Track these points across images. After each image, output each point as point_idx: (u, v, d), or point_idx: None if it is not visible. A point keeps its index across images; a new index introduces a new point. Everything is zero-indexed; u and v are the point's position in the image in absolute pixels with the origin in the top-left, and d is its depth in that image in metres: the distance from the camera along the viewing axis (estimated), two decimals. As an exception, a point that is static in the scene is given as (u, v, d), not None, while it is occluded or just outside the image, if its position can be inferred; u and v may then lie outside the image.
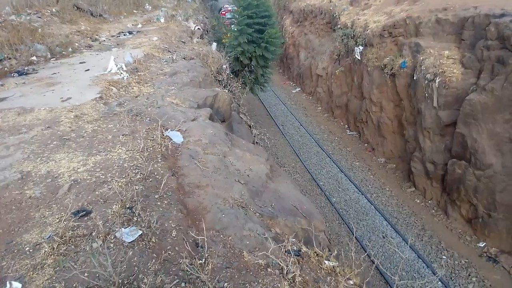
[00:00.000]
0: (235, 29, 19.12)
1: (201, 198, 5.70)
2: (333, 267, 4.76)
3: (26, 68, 12.38)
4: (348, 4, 24.89)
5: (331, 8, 26.25)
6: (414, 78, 16.10)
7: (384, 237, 13.74)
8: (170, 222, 5.00)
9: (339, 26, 23.64)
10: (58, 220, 4.93)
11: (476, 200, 13.02)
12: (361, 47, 20.58)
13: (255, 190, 6.46)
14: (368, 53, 19.78)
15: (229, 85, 15.50)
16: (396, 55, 17.76)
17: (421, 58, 15.71)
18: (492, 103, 12.53)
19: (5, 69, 12.12)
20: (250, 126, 13.91)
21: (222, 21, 28.62)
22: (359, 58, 20.74)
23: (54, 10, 19.05)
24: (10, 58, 12.78)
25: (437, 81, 14.62)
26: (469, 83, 13.76)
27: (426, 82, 15.16)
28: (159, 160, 6.52)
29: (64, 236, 4.55)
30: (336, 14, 24.97)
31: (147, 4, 28.99)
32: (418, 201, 15.75)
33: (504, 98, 12.25)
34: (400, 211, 15.27)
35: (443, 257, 12.73)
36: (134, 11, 26.79)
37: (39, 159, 6.52)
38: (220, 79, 15.03)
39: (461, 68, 14.27)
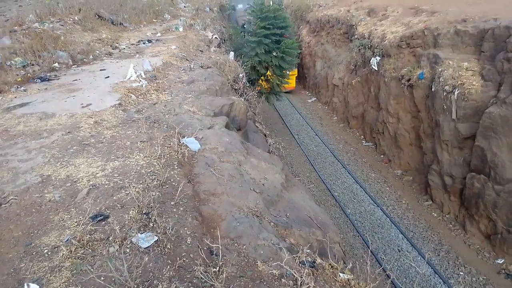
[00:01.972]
0: (253, 40, 19.27)
1: (216, 206, 5.72)
2: (348, 280, 4.71)
3: (48, 75, 12.68)
4: (366, 14, 24.87)
5: (348, 18, 26.25)
6: (432, 89, 15.93)
7: (399, 251, 13.52)
8: (185, 229, 5.03)
9: (356, 36, 23.61)
10: (76, 224, 5.01)
11: (495, 215, 12.74)
12: (378, 58, 20.50)
13: (270, 199, 6.45)
14: (386, 63, 19.68)
15: (245, 93, 15.58)
16: (414, 66, 17.63)
17: (440, 70, 15.56)
18: (513, 116, 12.31)
19: (28, 75, 12.45)
20: (265, 135, 13.93)
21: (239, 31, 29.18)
22: (376, 69, 20.64)
23: (76, 18, 19.52)
24: (33, 65, 13.13)
25: (456, 93, 14.44)
26: (488, 95, 13.55)
27: (444, 94, 14.99)
28: (176, 167, 6.59)
29: (82, 240, 4.62)
30: (353, 24, 24.96)
31: (166, 14, 29.47)
32: (435, 215, 15.48)
33: (525, 112, 12.03)
34: (417, 224, 15.02)
35: (461, 273, 12.46)
36: (154, 20, 27.26)
37: (59, 163, 6.65)
38: (236, 87, 15.13)
39: (481, 80, 14.07)
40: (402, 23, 20.01)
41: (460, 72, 14.69)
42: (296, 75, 32.66)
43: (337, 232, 6.45)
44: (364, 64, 22.62)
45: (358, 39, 22.90)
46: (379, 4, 25.22)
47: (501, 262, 12.54)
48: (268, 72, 20.95)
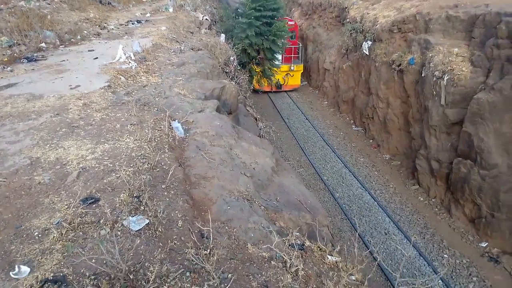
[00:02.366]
0: (244, 22, 19.04)
1: (207, 190, 5.76)
2: (336, 262, 4.82)
3: (35, 55, 12.45)
4: (358, -2, 24.69)
5: (340, 1, 26.06)
6: (422, 75, 16.01)
7: (386, 234, 13.78)
8: (176, 212, 5.07)
9: (348, 20, 23.49)
10: (66, 206, 5.01)
11: (480, 200, 13.01)
12: (369, 42, 20.46)
13: (260, 183, 6.51)
14: (377, 48, 19.66)
15: (236, 77, 15.49)
16: (404, 51, 17.65)
17: (430, 55, 15.60)
18: (500, 102, 12.46)
19: (15, 55, 12.21)
20: (256, 119, 13.94)
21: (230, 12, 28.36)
22: (367, 53, 20.63)
23: (63, -4, 19.08)
24: (19, 44, 12.86)
25: (445, 78, 14.53)
26: (477, 81, 13.66)
27: (434, 79, 15.08)
28: (166, 151, 6.59)
29: (73, 223, 4.63)
30: (346, 7, 24.80)
31: (156, -7, 28.93)
32: (422, 199, 15.76)
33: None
34: (403, 208, 15.29)
35: (445, 255, 12.77)
36: (143, 0, 26.76)
37: (48, 145, 6.60)
38: (227, 70, 15.03)
39: (470, 66, 14.16)
40: (394, 8, 19.94)
41: (450, 58, 14.76)
42: (302, 71, 29.42)
43: (326, 215, 6.55)
44: (355, 49, 22.57)
45: (350, 23, 22.80)
46: (372, -13, 25.05)
47: (484, 245, 12.87)
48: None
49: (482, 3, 15.27)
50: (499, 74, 12.88)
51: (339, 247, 5.38)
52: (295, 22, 29.57)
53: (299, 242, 5.02)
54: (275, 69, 24.32)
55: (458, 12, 15.77)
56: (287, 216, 5.72)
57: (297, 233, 5.27)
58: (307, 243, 5.10)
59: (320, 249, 5.07)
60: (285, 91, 28.81)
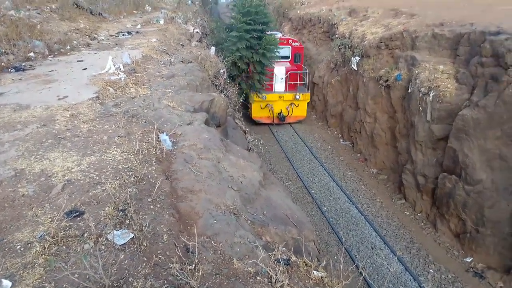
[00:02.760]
0: (234, 35, 19.22)
1: (193, 203, 5.74)
2: (322, 278, 4.82)
3: (23, 64, 12.37)
4: (347, 14, 25.14)
5: (329, 17, 26.48)
6: (409, 91, 16.28)
7: (372, 248, 13.82)
8: (162, 226, 5.03)
9: (337, 35, 23.86)
10: (50, 219, 4.94)
11: (464, 215, 13.16)
12: (357, 58, 20.78)
13: (247, 197, 6.51)
14: (365, 64, 19.97)
15: (226, 90, 15.57)
16: (392, 67, 17.95)
17: (416, 72, 15.90)
18: (484, 119, 12.71)
19: (2, 64, 12.11)
20: (245, 132, 13.98)
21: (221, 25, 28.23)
22: (356, 68, 20.93)
23: (53, 6, 19.07)
24: (7, 53, 12.77)
25: (431, 95, 14.80)
26: (462, 98, 13.94)
27: (420, 95, 15.34)
28: (154, 163, 6.56)
29: (56, 236, 4.57)
30: (335, 23, 25.20)
31: (147, 5, 29.10)
32: (408, 213, 15.88)
33: (496, 115, 12.43)
34: (390, 222, 15.37)
35: (430, 270, 12.83)
36: (134, 11, 26.86)
37: (33, 157, 6.53)
38: (217, 83, 15.10)
39: (455, 83, 14.46)
40: (382, 25, 20.33)
41: (436, 75, 15.05)
42: (308, 100, 25.53)
43: (312, 230, 6.57)
44: (344, 64, 22.89)
45: (339, 38, 23.15)
46: (360, 4, 25.54)
47: (469, 260, 12.98)
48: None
49: (467, 22, 15.66)
50: (483, 91, 13.16)
51: (325, 262, 5.38)
52: (300, 43, 26.36)
53: (285, 257, 5.02)
54: (278, 97, 23.58)
55: (443, 30, 16.14)
56: (273, 231, 5.73)
57: (283, 248, 5.27)
58: (293, 258, 5.10)
59: (306, 264, 5.07)
60: (289, 123, 25.31)
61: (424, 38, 16.72)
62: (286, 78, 24.49)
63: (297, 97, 24.34)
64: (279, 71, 24.23)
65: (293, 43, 25.59)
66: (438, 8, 20.58)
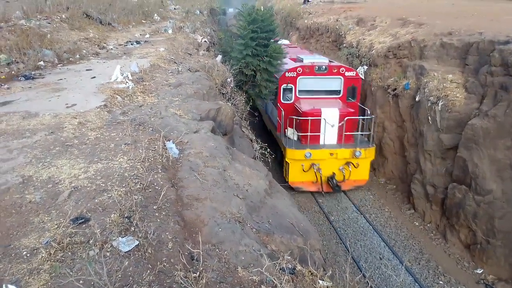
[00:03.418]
0: (240, 43, 19.33)
1: (199, 211, 5.72)
2: (327, 287, 4.76)
3: (33, 73, 12.54)
4: (354, 24, 25.19)
5: (337, 27, 26.55)
6: (417, 100, 16.19)
7: (381, 259, 13.64)
8: (167, 233, 5.02)
9: (344, 45, 23.89)
10: (56, 226, 4.96)
11: (475, 225, 12.97)
12: (365, 67, 20.77)
13: (253, 205, 6.48)
14: (372, 73, 19.94)
15: (233, 98, 15.61)
16: (400, 76, 17.89)
17: (425, 81, 15.82)
18: (494, 129, 12.58)
19: (12, 72, 12.29)
20: (251, 140, 13.97)
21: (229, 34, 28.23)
22: (363, 78, 20.89)
23: (64, 16, 19.37)
24: (18, 62, 12.97)
25: (440, 104, 14.70)
26: (471, 107, 13.83)
27: (429, 104, 15.25)
28: (160, 171, 6.57)
29: (62, 243, 4.58)
30: (342, 33, 25.26)
31: (155, 15, 29.45)
32: (417, 224, 15.69)
33: (506, 125, 12.30)
34: (399, 233, 15.19)
35: (440, 282, 12.63)
36: (143, 21, 27.20)
37: (41, 164, 6.57)
38: (224, 92, 15.16)
39: (464, 92, 14.36)
40: (390, 34, 20.33)
41: (444, 84, 14.97)
42: (373, 157, 17.82)
43: (319, 239, 6.51)
44: (351, 73, 22.85)
45: (347, 47, 23.19)
46: (368, 14, 25.59)
47: (480, 272, 12.75)
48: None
49: (476, 31, 15.59)
50: (492, 100, 13.05)
51: (330, 272, 5.32)
52: (356, 73, 18.79)
53: (290, 266, 4.97)
54: (328, 153, 16.78)
55: (452, 39, 16.09)
56: (278, 239, 5.68)
57: (289, 257, 5.22)
58: (298, 267, 5.05)
59: (312, 274, 5.01)
60: (344, 191, 17.84)
61: (432, 47, 16.68)
62: (341, 125, 16.61)
63: (357, 153, 16.86)
64: (329, 114, 16.63)
65: (346, 72, 18.26)
66: (446, 17, 20.55)
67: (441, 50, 16.30)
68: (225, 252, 4.96)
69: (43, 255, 4.42)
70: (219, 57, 19.83)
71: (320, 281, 4.86)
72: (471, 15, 20.81)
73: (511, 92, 12.39)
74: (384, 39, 20.19)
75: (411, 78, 17.08)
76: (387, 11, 25.48)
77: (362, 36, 22.65)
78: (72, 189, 5.77)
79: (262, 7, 23.48)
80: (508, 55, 12.77)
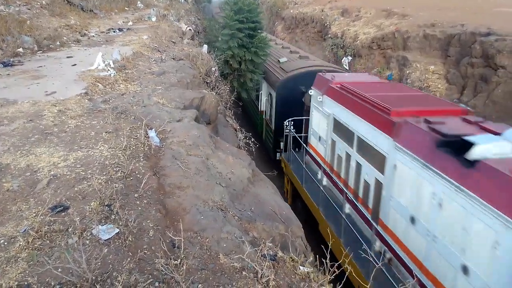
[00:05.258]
0: (226, 33, 19.16)
1: (181, 199, 5.71)
2: (308, 273, 4.82)
3: (11, 60, 12.23)
4: (339, 14, 25.25)
5: (322, 17, 26.58)
6: (400, 91, 16.36)
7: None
8: (148, 221, 5.00)
9: (329, 35, 23.98)
10: (34, 214, 4.88)
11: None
12: (349, 57, 20.90)
13: (235, 193, 6.50)
14: (357, 63, 20.08)
15: (217, 87, 15.51)
16: (383, 67, 18.08)
17: (408, 72, 16.02)
18: (474, 119, 12.83)
19: (-10, 59, 11.98)
20: (236, 130, 13.94)
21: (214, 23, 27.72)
22: (348, 68, 21.00)
23: (44, 2, 18.89)
24: (-4, 49, 12.64)
25: (421, 95, 14.90)
26: (452, 98, 14.07)
27: (411, 95, 15.44)
28: (141, 159, 6.51)
29: (40, 231, 4.51)
30: (327, 23, 25.32)
31: (139, 2, 28.95)
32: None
33: (486, 115, 12.55)
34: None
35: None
36: (126, 8, 26.71)
37: (19, 152, 6.44)
38: (208, 81, 15.04)
39: (446, 83, 14.61)
40: (374, 25, 20.46)
41: (426, 75, 15.20)
42: None
43: (300, 226, 6.57)
44: (336, 63, 22.95)
45: (331, 38, 23.27)
46: (353, 4, 25.67)
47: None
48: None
49: (458, 23, 15.81)
50: (473, 91, 13.31)
51: (311, 258, 5.38)
52: None
53: (271, 252, 5.01)
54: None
55: (435, 31, 16.29)
56: (260, 227, 5.71)
57: (270, 244, 5.26)
58: (280, 254, 5.08)
59: (293, 260, 5.06)
60: None
61: (415, 39, 16.87)
62: None
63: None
64: None
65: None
66: (430, 9, 20.74)
67: (424, 41, 16.50)
68: (207, 240, 4.97)
69: (21, 243, 4.36)
70: (205, 47, 19.64)
71: (301, 267, 4.91)
72: (455, 7, 21.04)
73: (490, 83, 12.64)
74: (369, 30, 20.32)
75: (394, 69, 17.28)
76: (371, 2, 25.57)
77: (347, 26, 22.74)
78: (51, 177, 5.68)
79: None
80: (488, 47, 13.00)
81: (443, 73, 14.99)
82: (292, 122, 13.18)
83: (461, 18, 16.66)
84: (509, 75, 12.67)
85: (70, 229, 4.59)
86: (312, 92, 12.23)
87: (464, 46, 14.54)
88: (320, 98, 11.63)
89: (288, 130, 13.15)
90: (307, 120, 13.09)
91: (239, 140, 13.16)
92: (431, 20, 17.37)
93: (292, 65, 17.36)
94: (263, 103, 19.14)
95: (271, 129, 17.15)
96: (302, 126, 13.48)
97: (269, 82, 18.13)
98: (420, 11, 19.78)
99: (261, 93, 19.21)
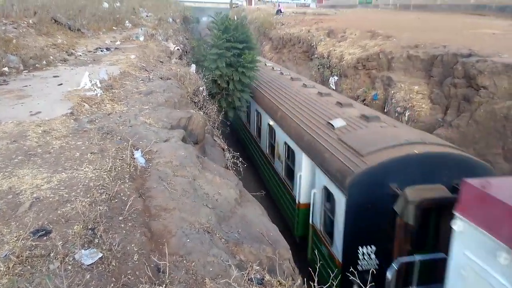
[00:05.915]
0: (214, 52, 19.29)
1: (167, 222, 5.63)
2: (295, 297, 4.76)
3: (-4, 79, 12.10)
4: (325, 35, 25.72)
5: (309, 38, 27.03)
6: (385, 110, 16.61)
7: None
8: (132, 245, 4.90)
9: (316, 55, 24.34)
10: (16, 238, 4.75)
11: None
12: (336, 77, 21.19)
13: (222, 215, 6.43)
14: (343, 83, 20.37)
15: (205, 107, 15.52)
16: (369, 87, 18.37)
17: (392, 92, 16.29)
18: (457, 138, 13.05)
19: (-26, 78, 11.82)
20: (223, 149, 13.90)
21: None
22: (334, 88, 21.28)
23: (31, 21, 18.82)
24: (-20, 68, 12.49)
25: (406, 114, 15.15)
26: (436, 118, 14.32)
27: (396, 114, 15.67)
28: (127, 181, 6.43)
29: (21, 256, 4.39)
30: (314, 44, 25.73)
31: (127, 22, 29.06)
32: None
33: (469, 135, 12.79)
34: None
35: None
36: (114, 27, 26.78)
37: (1, 174, 6.31)
38: (196, 100, 15.05)
39: (430, 103, 14.87)
40: (359, 46, 20.86)
41: (411, 95, 15.47)
42: None
43: (288, 248, 6.50)
44: (322, 83, 23.22)
45: (318, 58, 23.62)
46: (339, 26, 26.19)
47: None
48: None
49: (441, 44, 16.21)
50: (456, 111, 13.56)
51: (299, 281, 5.32)
52: None
53: (258, 276, 4.94)
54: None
55: (418, 52, 16.67)
56: (247, 249, 5.65)
57: (257, 267, 5.19)
58: (267, 277, 5.02)
59: (280, 283, 5.00)
60: None
61: (399, 59, 17.23)
62: None
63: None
64: None
65: None
66: (413, 31, 21.27)
67: (407, 62, 16.86)
68: (193, 263, 4.89)
69: (1, 269, 4.22)
70: (193, 67, 19.71)
71: (288, 291, 4.86)
72: (437, 29, 21.61)
73: (473, 103, 12.91)
74: (354, 51, 20.69)
75: (379, 89, 17.56)
76: (356, 23, 26.14)
77: (333, 47, 23.14)
78: (34, 200, 5.56)
79: (235, 16, 23.59)
80: (470, 68, 13.33)
81: (427, 93, 15.29)
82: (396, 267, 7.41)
83: (444, 39, 17.11)
84: (490, 95, 12.98)
85: (52, 254, 4.48)
86: (459, 226, 4.83)
87: (446, 67, 14.89)
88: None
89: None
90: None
91: (227, 159, 13.11)
92: (415, 41, 17.81)
93: (370, 140, 9.30)
94: (304, 193, 11.87)
95: (333, 259, 9.37)
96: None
97: (326, 169, 9.90)
98: (403, 33, 20.28)
99: (300, 175, 11.85)
